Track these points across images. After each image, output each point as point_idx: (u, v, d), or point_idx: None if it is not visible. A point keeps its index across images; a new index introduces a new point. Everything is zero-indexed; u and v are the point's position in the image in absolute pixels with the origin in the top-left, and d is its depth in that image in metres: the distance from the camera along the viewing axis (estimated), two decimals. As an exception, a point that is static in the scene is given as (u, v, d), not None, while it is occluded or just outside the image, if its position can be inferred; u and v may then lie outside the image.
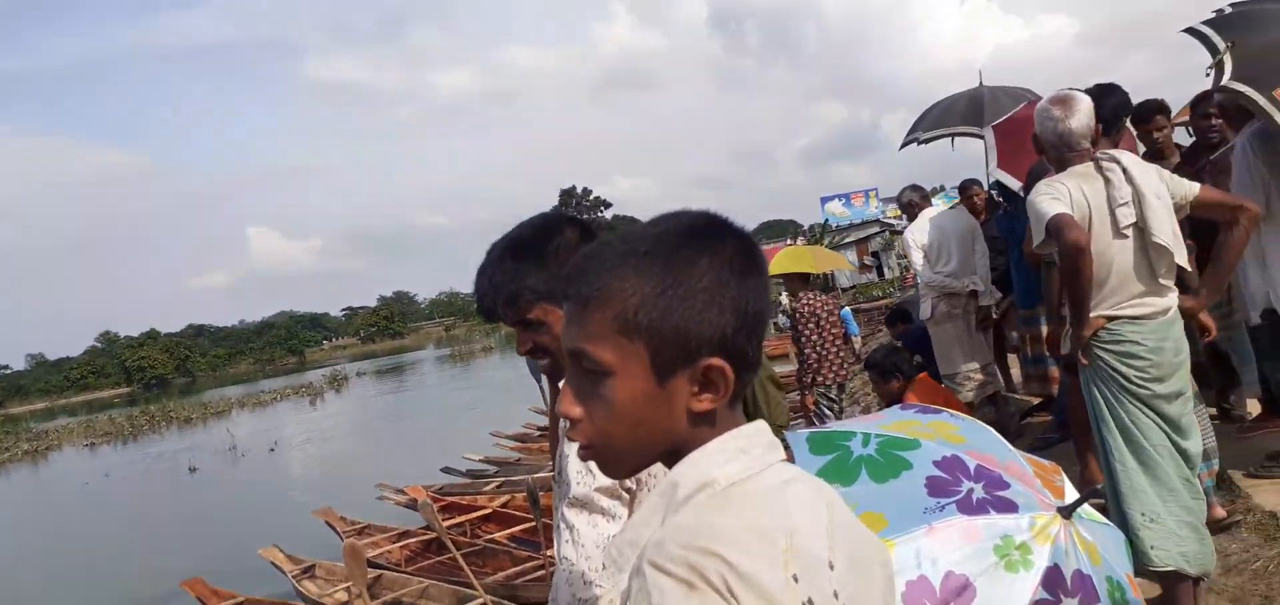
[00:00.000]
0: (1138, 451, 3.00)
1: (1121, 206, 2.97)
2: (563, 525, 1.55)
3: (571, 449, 1.52)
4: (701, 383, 0.91)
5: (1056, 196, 2.99)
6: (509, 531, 8.01)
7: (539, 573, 6.46)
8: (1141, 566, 2.90)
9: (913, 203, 6.70)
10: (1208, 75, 4.08)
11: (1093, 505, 1.96)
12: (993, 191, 6.79)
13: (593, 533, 1.51)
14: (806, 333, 6.51)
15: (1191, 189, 3.12)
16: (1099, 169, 3.04)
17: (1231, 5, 4.21)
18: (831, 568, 0.88)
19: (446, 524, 7.26)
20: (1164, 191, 3.03)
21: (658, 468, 0.97)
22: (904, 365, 5.42)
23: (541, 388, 2.23)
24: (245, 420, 35.12)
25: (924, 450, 1.87)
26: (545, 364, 1.70)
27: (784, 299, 12.85)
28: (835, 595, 0.87)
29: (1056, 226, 2.94)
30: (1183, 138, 5.74)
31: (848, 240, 41.87)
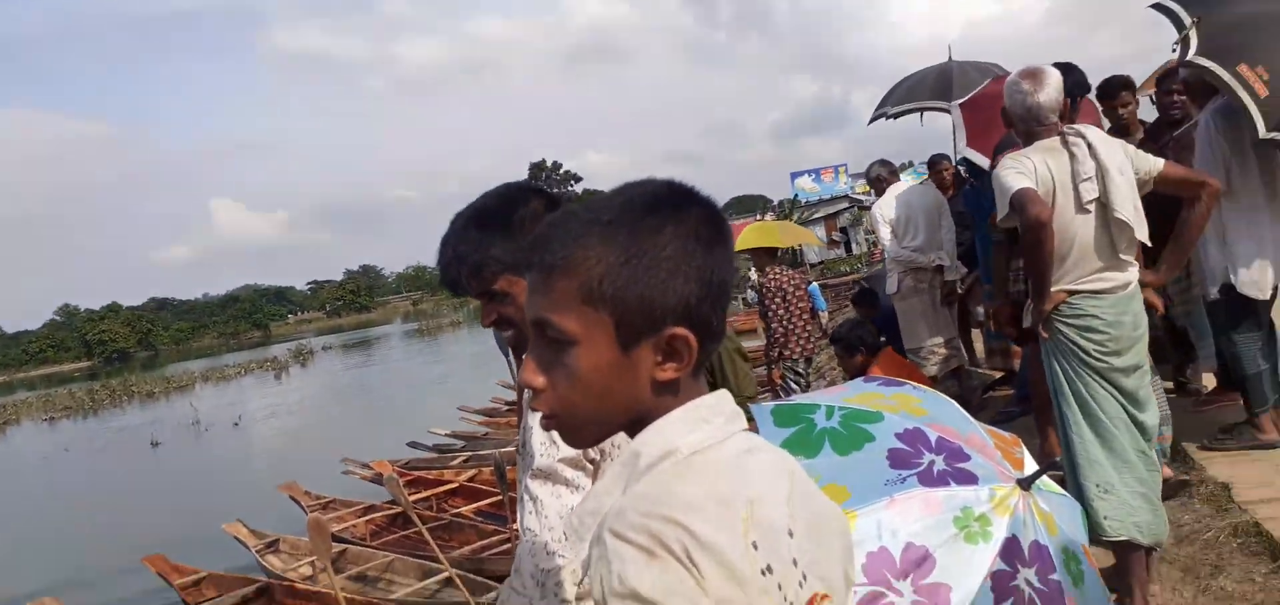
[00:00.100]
0: (1094, 424, 3.05)
1: (1085, 181, 3.00)
2: (526, 497, 1.54)
3: (535, 420, 1.51)
4: (665, 352, 0.91)
5: (1021, 171, 3.02)
6: (476, 506, 8.00)
7: (505, 546, 6.46)
8: (1096, 536, 2.96)
9: (881, 178, 6.73)
10: (1174, 51, 4.13)
11: (1051, 477, 1.99)
12: (960, 168, 6.85)
13: (556, 504, 1.51)
14: (773, 307, 6.54)
15: (1156, 165, 3.15)
16: (1065, 144, 3.07)
17: None
18: (791, 536, 0.88)
19: (412, 498, 7.23)
20: (1128, 167, 3.07)
21: (621, 438, 0.97)
22: (868, 339, 5.47)
23: (509, 361, 2.21)
24: (209, 394, 34.70)
25: (887, 423, 1.89)
26: (510, 336, 1.68)
27: (752, 274, 12.90)
28: (794, 563, 0.88)
29: (1020, 202, 2.97)
30: (1151, 113, 5.80)
31: (817, 216, 42.10)
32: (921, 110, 7.50)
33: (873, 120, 7.77)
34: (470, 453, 10.54)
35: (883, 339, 5.57)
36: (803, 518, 0.91)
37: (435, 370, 30.91)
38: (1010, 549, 1.70)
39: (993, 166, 4.01)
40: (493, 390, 14.91)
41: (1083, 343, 3.04)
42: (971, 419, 2.04)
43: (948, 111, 6.61)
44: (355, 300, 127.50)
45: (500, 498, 7.48)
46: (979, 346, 7.59)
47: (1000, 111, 3.44)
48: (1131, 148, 3.19)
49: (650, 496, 0.85)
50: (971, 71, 7.06)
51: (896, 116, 7.55)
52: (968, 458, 1.83)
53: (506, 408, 13.42)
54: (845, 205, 42.97)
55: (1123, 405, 3.05)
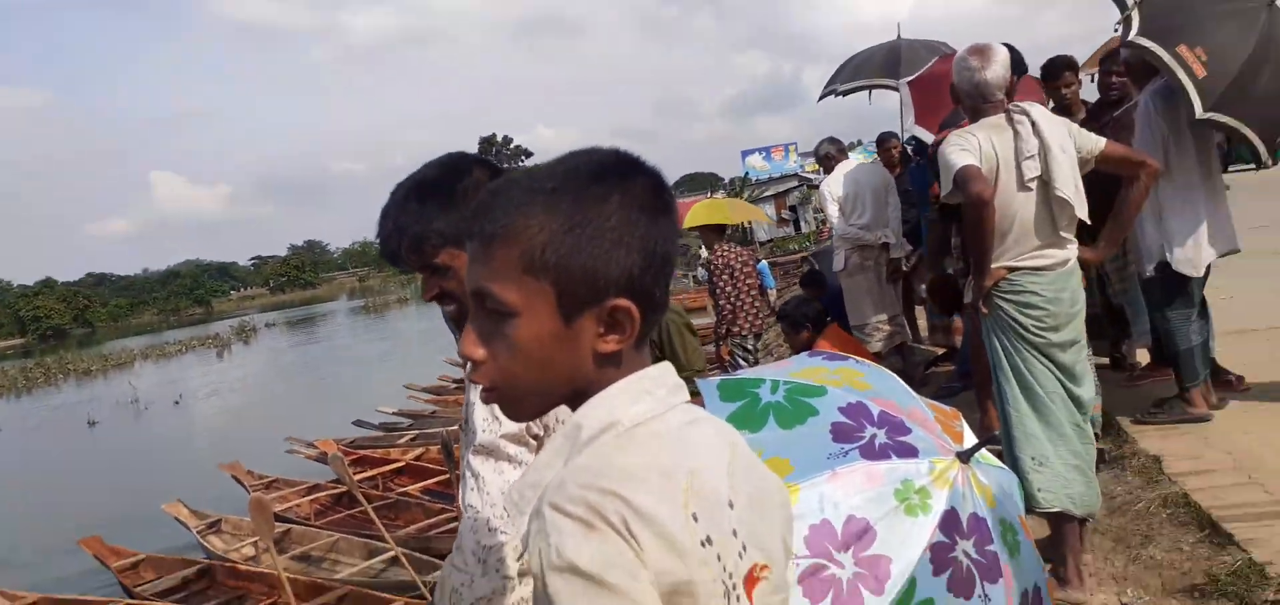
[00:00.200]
0: (1031, 397, 3.12)
1: (1027, 159, 3.05)
2: (469, 473, 1.52)
3: (477, 396, 1.49)
4: (608, 323, 0.89)
5: (965, 148, 3.06)
6: (422, 484, 7.93)
7: (452, 525, 6.42)
8: (1031, 507, 3.03)
9: (830, 156, 6.78)
10: (1116, 30, 4.21)
11: (990, 450, 2.03)
12: (908, 146, 6.93)
13: (498, 480, 1.49)
14: (721, 284, 6.56)
15: (1098, 144, 3.21)
16: (1010, 121, 3.11)
17: None
18: (732, 507, 0.88)
19: (358, 477, 7.14)
20: (1070, 145, 3.12)
21: (564, 412, 0.95)
22: (814, 315, 5.52)
23: (456, 338, 2.18)
24: (148, 372, 33.87)
25: (830, 397, 1.90)
26: (452, 310, 1.64)
27: (702, 252, 12.92)
28: (734, 534, 0.88)
29: (963, 178, 3.01)
30: (1093, 93, 5.91)
31: (767, 194, 42.33)
32: (870, 88, 7.57)
33: (822, 97, 7.82)
34: (417, 431, 10.47)
35: (828, 317, 5.63)
36: (744, 489, 0.91)
37: (381, 347, 30.55)
38: (949, 521, 1.73)
39: (938, 143, 4.06)
40: (440, 368, 14.78)
41: (1021, 318, 3.10)
42: (914, 393, 2.06)
43: (896, 89, 6.69)
44: (300, 276, 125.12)
45: (447, 476, 7.45)
46: (923, 323, 7.72)
47: (948, 89, 3.48)
48: (1074, 127, 3.24)
49: (591, 469, 0.84)
50: (920, 50, 7.14)
51: (846, 94, 7.61)
52: (909, 431, 1.85)
53: (454, 385, 13.32)
54: (795, 184, 43.26)
55: (1060, 379, 3.12)
